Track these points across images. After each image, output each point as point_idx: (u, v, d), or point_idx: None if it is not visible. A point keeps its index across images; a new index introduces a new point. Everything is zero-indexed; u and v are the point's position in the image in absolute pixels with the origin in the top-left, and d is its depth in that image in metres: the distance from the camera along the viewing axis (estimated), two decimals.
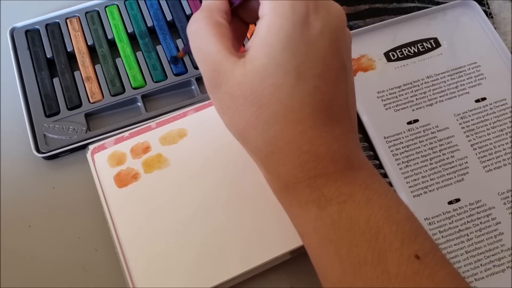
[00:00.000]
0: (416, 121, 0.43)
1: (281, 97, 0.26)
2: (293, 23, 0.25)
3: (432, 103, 0.44)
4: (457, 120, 0.43)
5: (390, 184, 0.40)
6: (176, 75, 0.45)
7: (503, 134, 0.43)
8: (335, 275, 0.27)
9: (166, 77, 0.45)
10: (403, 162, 0.41)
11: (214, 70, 0.27)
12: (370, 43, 0.46)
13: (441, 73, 0.45)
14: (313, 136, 0.27)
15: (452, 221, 0.39)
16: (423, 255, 0.26)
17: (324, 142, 0.27)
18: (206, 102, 0.41)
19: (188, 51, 0.41)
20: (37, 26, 0.47)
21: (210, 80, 0.28)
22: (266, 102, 0.26)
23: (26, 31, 0.46)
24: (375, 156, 0.42)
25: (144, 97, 0.44)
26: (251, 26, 0.40)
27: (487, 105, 0.44)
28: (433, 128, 0.43)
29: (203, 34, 0.27)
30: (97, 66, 0.45)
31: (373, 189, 0.28)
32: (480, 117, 0.43)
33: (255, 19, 0.29)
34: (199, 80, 0.45)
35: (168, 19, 0.47)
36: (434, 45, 0.47)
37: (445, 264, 0.27)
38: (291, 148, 0.27)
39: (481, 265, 0.38)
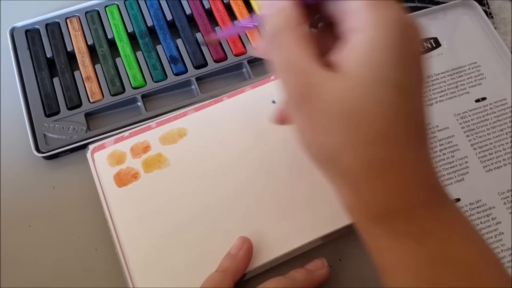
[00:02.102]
0: None
1: (387, 116, 0.24)
2: (400, 38, 0.24)
3: (432, 103, 0.44)
4: (457, 120, 0.43)
5: None
6: (176, 75, 0.45)
7: (503, 134, 0.43)
8: None
9: (166, 77, 0.45)
10: None
11: (304, 84, 0.25)
12: None
13: (441, 73, 0.45)
14: (415, 160, 0.25)
15: None
16: None
17: (425, 167, 0.25)
18: (206, 102, 0.41)
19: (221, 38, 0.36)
20: (37, 26, 0.47)
21: (299, 94, 0.25)
22: (370, 120, 0.24)
23: (26, 31, 0.46)
24: None
25: (144, 96, 0.44)
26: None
27: (487, 105, 0.44)
28: (433, 128, 0.43)
29: (290, 45, 0.25)
30: (97, 66, 0.45)
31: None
32: (480, 117, 0.43)
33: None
34: (199, 79, 0.45)
35: (168, 19, 0.47)
36: (434, 45, 0.47)
37: None
38: (392, 172, 0.25)
39: None
